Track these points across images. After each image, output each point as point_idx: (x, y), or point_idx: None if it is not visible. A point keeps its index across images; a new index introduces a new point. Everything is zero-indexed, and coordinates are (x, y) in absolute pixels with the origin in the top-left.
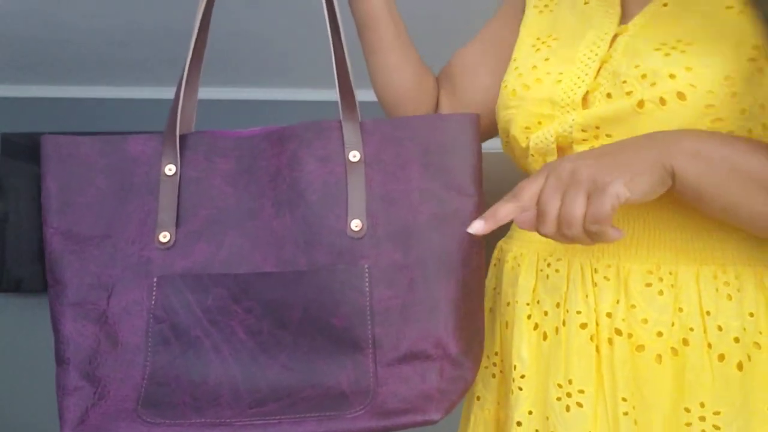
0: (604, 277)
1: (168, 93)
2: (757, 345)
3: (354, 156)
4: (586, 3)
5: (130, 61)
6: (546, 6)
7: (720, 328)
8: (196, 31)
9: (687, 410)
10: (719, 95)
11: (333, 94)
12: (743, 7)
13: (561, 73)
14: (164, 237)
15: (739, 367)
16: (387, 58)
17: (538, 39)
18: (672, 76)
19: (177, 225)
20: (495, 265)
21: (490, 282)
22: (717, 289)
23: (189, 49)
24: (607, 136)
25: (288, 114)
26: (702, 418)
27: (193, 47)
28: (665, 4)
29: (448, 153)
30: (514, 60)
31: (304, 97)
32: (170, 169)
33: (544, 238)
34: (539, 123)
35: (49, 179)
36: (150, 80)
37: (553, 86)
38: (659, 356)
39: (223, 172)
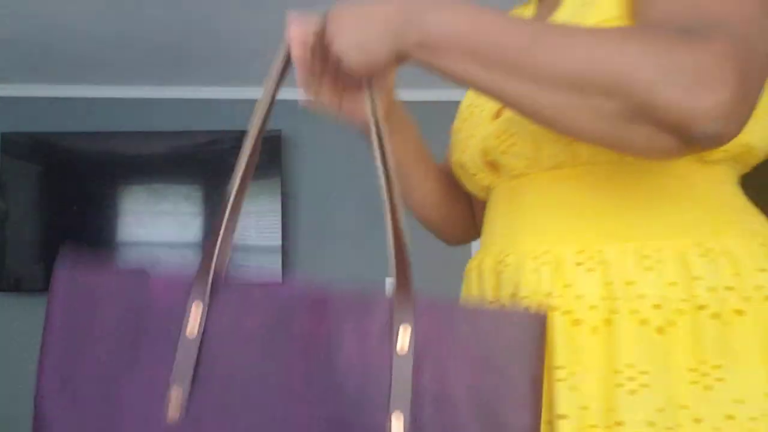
0: (543, 263)
1: (168, 92)
2: (678, 311)
3: (402, 341)
4: None
5: (130, 61)
6: None
7: (641, 297)
8: (243, 165)
9: (618, 372)
10: None
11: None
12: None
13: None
14: (174, 409)
15: (659, 331)
16: (416, 195)
17: None
18: None
19: (189, 398)
20: (464, 281)
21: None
22: (638, 263)
23: (233, 187)
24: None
25: (299, 114)
26: (631, 378)
27: (242, 175)
28: None
29: (508, 357)
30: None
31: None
32: (192, 333)
33: (497, 242)
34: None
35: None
36: (150, 80)
37: (479, 116)
38: (595, 328)
39: (249, 334)
